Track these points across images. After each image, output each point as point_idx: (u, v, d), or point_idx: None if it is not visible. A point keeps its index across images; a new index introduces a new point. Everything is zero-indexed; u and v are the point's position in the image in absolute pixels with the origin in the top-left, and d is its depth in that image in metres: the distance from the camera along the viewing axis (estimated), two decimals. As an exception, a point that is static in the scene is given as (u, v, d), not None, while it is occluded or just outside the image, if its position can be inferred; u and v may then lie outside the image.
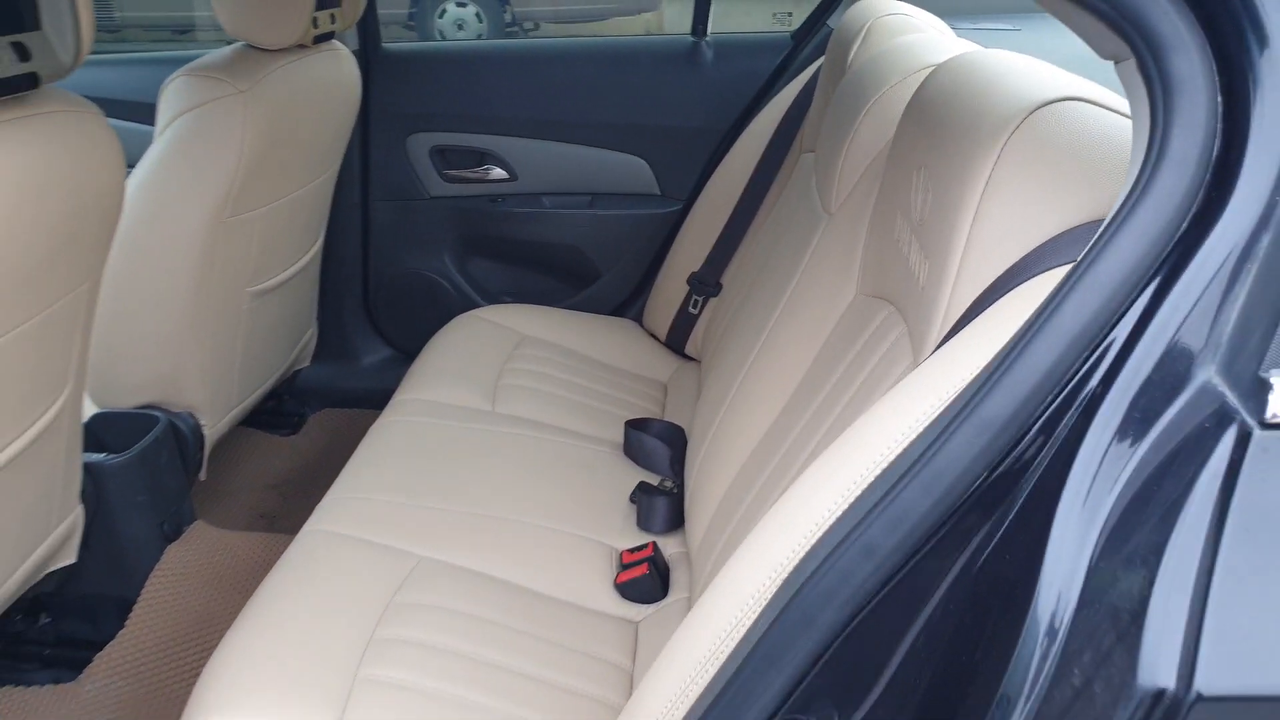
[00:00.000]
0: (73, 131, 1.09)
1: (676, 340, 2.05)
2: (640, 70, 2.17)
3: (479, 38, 7.81)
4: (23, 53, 0.98)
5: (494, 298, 2.32)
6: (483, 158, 2.21)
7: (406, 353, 2.37)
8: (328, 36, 1.75)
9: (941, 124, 0.93)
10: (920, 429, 0.64)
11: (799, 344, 1.25)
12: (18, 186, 1.00)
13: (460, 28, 7.75)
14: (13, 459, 1.17)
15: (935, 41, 1.34)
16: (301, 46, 1.68)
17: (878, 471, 0.65)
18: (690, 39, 2.21)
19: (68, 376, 1.25)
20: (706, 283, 1.99)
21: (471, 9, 7.72)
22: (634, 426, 1.61)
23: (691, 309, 2.01)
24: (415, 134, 2.19)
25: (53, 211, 1.06)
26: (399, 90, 2.18)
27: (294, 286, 1.93)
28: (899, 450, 0.64)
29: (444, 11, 7.69)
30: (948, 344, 0.72)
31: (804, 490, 0.73)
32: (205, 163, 1.53)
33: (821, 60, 1.90)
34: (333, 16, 1.73)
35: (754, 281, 1.62)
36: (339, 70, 1.82)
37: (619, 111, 2.16)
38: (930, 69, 1.19)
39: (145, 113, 2.30)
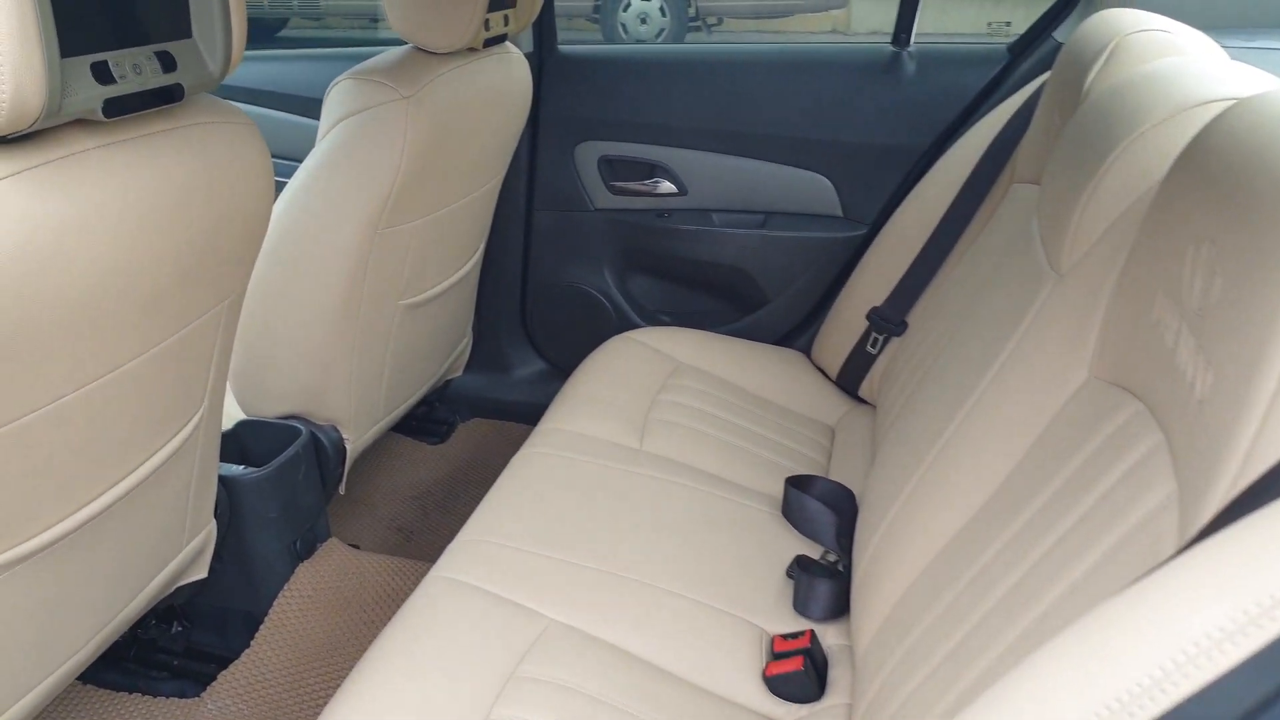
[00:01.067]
0: (219, 143, 1.02)
1: (849, 380, 1.85)
2: (831, 81, 1.97)
3: (661, 32, 7.73)
4: (168, 62, 0.91)
5: (652, 317, 2.19)
6: (652, 170, 2.08)
7: (559, 367, 2.28)
8: (500, 39, 1.66)
9: (1242, 186, 0.71)
10: (1229, 663, 0.44)
11: (1011, 424, 1.04)
12: (158, 200, 0.93)
13: (643, 21, 7.70)
14: (145, 478, 1.12)
15: (1210, 69, 1.09)
16: (472, 50, 1.59)
17: (1164, 708, 0.46)
18: (890, 48, 1.99)
19: (204, 395, 1.20)
20: (889, 320, 1.78)
21: (655, 2, 7.65)
22: (796, 485, 1.44)
23: (870, 348, 1.81)
24: (584, 142, 2.08)
25: (193, 226, 1.00)
26: (571, 95, 2.07)
27: (450, 298, 1.85)
28: (1191, 689, 0.45)
29: (628, 5, 7.65)
30: (1258, 518, 0.52)
31: (1035, 684, 0.54)
32: (363, 170, 1.46)
33: (1044, 78, 1.65)
34: (506, 18, 1.63)
35: (951, 331, 1.41)
36: (510, 75, 1.72)
37: (803, 124, 1.97)
38: (1213, 105, 0.95)
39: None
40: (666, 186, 2.08)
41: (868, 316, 1.81)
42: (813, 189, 2.00)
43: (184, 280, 1.03)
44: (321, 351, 1.56)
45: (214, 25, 0.95)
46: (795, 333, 2.08)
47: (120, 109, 0.86)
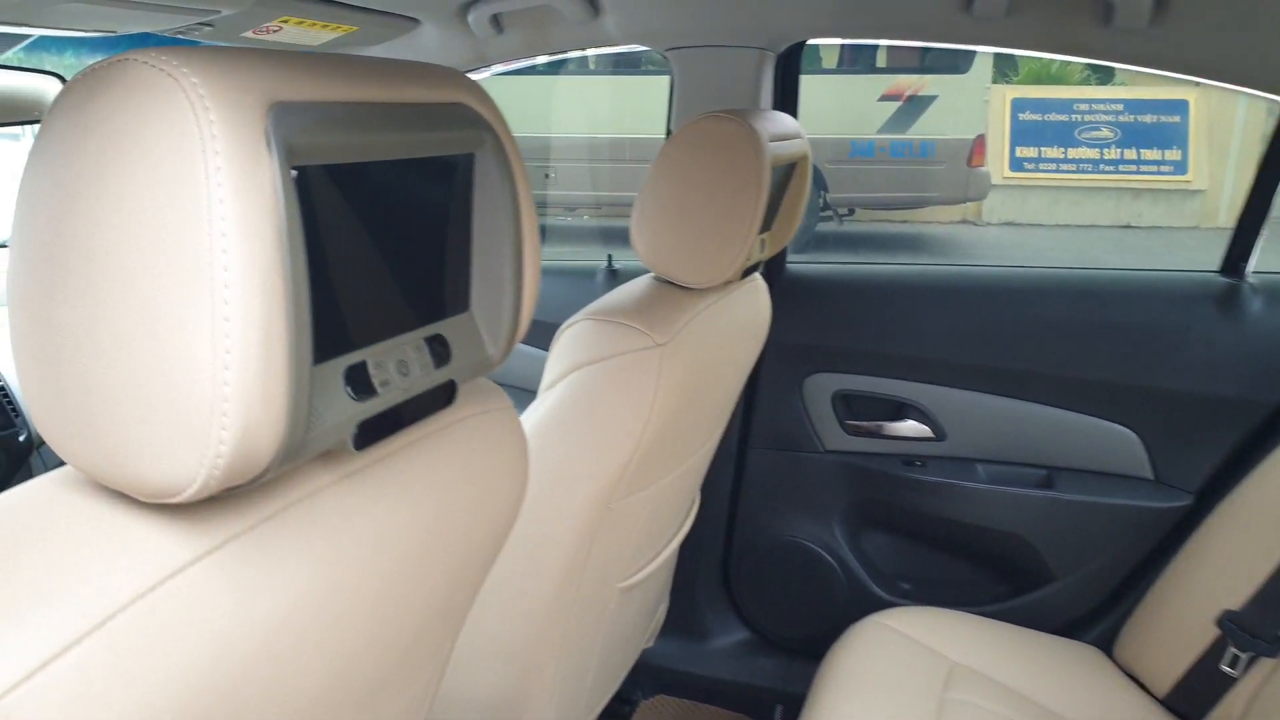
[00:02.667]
0: (482, 443, 0.71)
1: (1189, 702, 1.39)
2: (1141, 314, 1.61)
3: (793, 222, 7.62)
4: (440, 351, 0.61)
5: (890, 584, 1.79)
6: (900, 409, 1.73)
7: (767, 639, 1.87)
8: (754, 268, 1.38)
9: None
10: None
11: None
12: (405, 540, 0.61)
13: (776, 213, 7.62)
14: None
15: None
16: (728, 282, 1.30)
17: None
18: (1221, 278, 1.63)
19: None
20: (1256, 634, 1.33)
21: (788, 194, 7.60)
22: None
23: (1226, 666, 1.35)
24: (816, 374, 1.76)
25: (443, 565, 0.68)
26: (803, 321, 1.77)
27: (663, 570, 1.50)
28: None
29: (761, 197, 7.60)
30: None
31: None
32: (603, 430, 1.15)
33: None
34: (763, 243, 1.35)
35: None
36: (755, 306, 1.43)
37: (1102, 365, 1.61)
38: None
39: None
40: (917, 429, 1.72)
41: (1220, 624, 1.37)
42: (1114, 444, 1.61)
43: (419, 637, 0.70)
44: (527, 651, 1.22)
45: (502, 296, 0.65)
46: (1086, 621, 1.64)
47: (378, 433, 0.56)
